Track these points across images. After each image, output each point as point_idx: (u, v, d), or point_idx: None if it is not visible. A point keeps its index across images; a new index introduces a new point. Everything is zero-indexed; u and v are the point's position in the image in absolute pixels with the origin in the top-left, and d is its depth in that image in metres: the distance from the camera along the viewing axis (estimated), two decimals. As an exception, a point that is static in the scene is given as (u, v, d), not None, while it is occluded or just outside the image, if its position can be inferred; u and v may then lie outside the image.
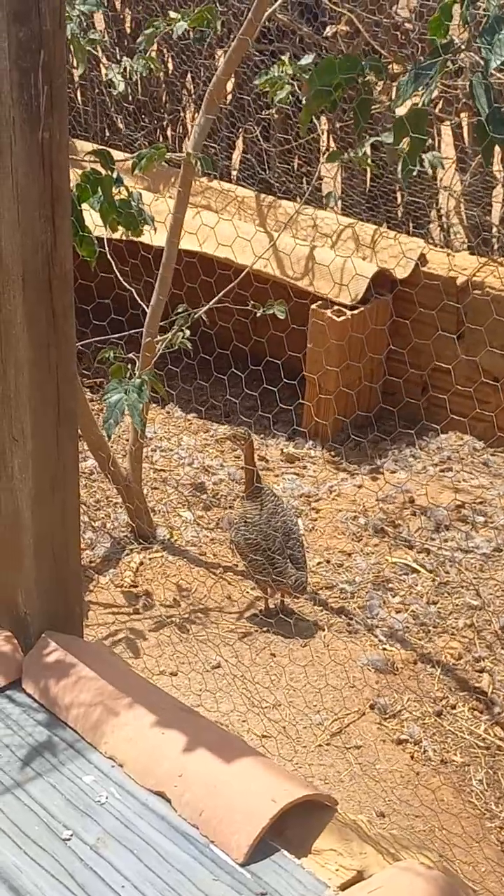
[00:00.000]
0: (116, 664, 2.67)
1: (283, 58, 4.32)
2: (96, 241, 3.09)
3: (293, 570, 3.98)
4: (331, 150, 5.57)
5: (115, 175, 2.97)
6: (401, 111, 2.80)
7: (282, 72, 4.14)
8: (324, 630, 3.99)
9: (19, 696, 2.53)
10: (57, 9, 2.21)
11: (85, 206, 3.03)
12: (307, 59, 4.16)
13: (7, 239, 2.33)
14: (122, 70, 4.36)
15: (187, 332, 4.13)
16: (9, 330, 2.39)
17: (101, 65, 6.34)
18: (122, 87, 4.40)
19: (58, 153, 2.30)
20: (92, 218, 3.18)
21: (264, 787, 2.22)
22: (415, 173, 2.95)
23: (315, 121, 5.63)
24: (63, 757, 2.38)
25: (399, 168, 2.78)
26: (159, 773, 2.30)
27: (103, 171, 2.96)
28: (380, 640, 3.95)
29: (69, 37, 3.93)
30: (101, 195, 2.96)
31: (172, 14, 4.07)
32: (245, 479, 4.15)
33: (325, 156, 5.40)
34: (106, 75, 4.58)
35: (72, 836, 2.20)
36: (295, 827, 2.21)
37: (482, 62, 2.51)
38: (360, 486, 4.84)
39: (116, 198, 3.08)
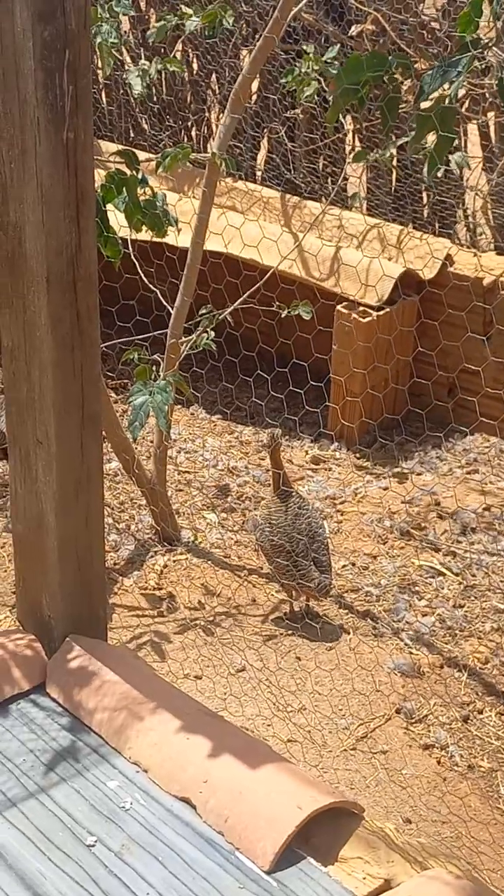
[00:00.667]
0: (141, 668, 2.65)
1: (307, 52, 4.29)
2: (120, 242, 3.07)
3: (317, 574, 3.95)
4: (356, 150, 5.54)
5: (139, 175, 2.95)
6: (425, 107, 2.77)
7: (308, 68, 4.11)
8: (349, 633, 3.96)
9: (43, 699, 2.52)
10: (82, 8, 2.20)
11: (109, 206, 3.01)
12: (332, 52, 4.12)
13: (32, 240, 2.31)
14: (139, 72, 4.33)
15: (212, 334, 4.11)
16: (33, 332, 2.38)
17: (125, 66, 6.33)
18: (139, 88, 4.36)
19: (82, 154, 2.28)
20: (117, 219, 3.16)
21: (290, 794, 2.20)
22: (441, 173, 2.93)
23: (341, 120, 5.60)
24: (87, 762, 2.36)
25: (426, 167, 2.74)
26: (184, 779, 2.28)
27: (128, 172, 2.94)
28: (406, 644, 3.91)
29: (99, 39, 3.92)
30: (126, 196, 2.94)
31: (185, 9, 4.05)
32: (272, 481, 4.12)
33: (352, 156, 5.38)
34: (125, 76, 4.55)
35: (96, 842, 2.18)
36: (321, 834, 2.19)
37: (511, 60, 2.48)
38: (385, 489, 4.81)
39: (141, 198, 3.06)
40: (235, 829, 2.17)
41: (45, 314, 2.34)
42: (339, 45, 4.37)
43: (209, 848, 2.16)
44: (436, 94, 2.53)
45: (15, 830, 2.19)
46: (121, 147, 5.66)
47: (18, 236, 2.34)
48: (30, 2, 2.14)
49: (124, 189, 2.93)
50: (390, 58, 2.65)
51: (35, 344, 2.38)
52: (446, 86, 2.52)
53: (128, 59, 6.44)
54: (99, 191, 2.95)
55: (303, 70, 4.13)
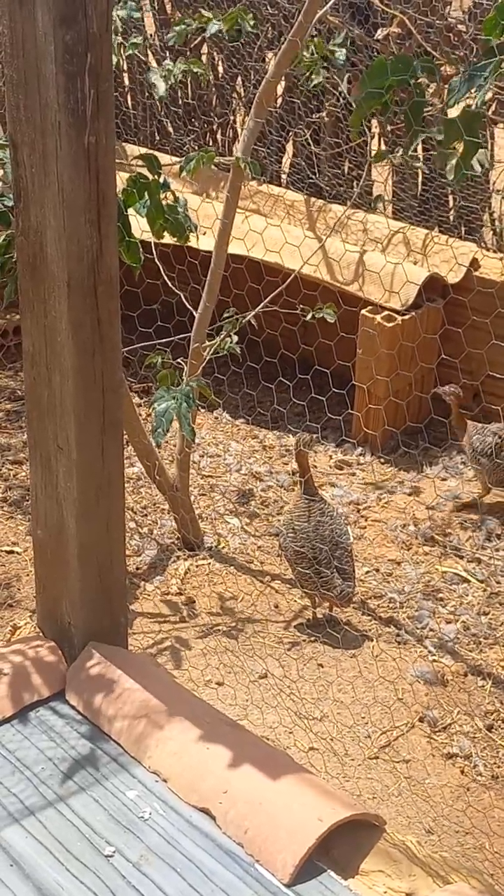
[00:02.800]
0: (161, 676, 2.63)
1: (312, 38, 4.23)
2: (141, 247, 3.05)
3: (339, 582, 3.92)
4: (380, 150, 5.51)
5: (161, 180, 2.93)
6: (453, 113, 2.74)
7: (313, 53, 4.06)
8: (373, 641, 3.93)
9: (63, 707, 2.50)
10: (104, 12, 2.18)
11: (130, 210, 3.00)
12: (338, 39, 4.08)
13: (52, 245, 2.30)
14: (163, 73, 4.31)
15: (235, 338, 4.09)
16: (54, 337, 2.37)
17: (150, 68, 6.32)
18: (162, 90, 4.34)
19: (104, 158, 2.27)
20: (138, 223, 3.14)
21: (311, 806, 2.18)
22: (468, 178, 2.90)
23: (365, 124, 5.57)
24: (106, 771, 2.34)
25: (452, 171, 2.71)
26: (204, 790, 2.26)
27: (150, 176, 2.92)
28: (429, 652, 3.88)
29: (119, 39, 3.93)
30: (148, 200, 2.92)
31: (205, 12, 4.04)
32: (299, 485, 4.10)
33: (374, 156, 5.34)
34: (148, 78, 4.55)
35: (114, 852, 2.16)
36: (342, 847, 2.16)
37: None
38: (409, 494, 4.78)
39: (163, 203, 3.04)
40: (255, 840, 2.15)
41: (66, 319, 2.33)
42: (345, 31, 4.32)
43: (228, 859, 2.14)
44: (462, 103, 2.50)
45: (33, 840, 2.18)
46: (144, 150, 5.66)
47: (39, 241, 2.33)
48: (51, 5, 2.13)
49: (146, 193, 2.91)
50: (415, 62, 2.63)
51: (56, 349, 2.37)
52: (473, 90, 2.50)
53: (153, 62, 6.43)
54: (120, 195, 2.93)
55: (308, 55, 4.08)
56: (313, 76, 4.18)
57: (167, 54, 6.32)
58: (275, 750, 2.48)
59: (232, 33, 3.90)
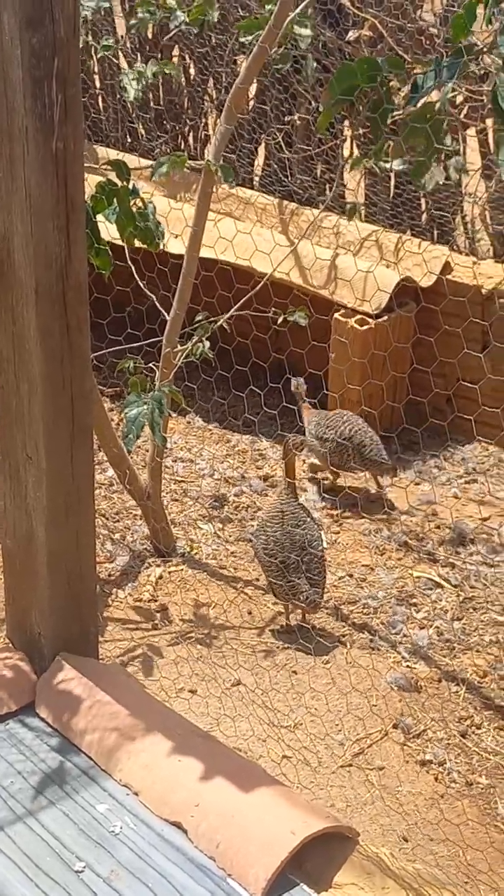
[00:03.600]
0: (132, 687, 2.60)
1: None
2: (111, 252, 3.02)
3: (306, 588, 3.89)
4: (354, 156, 5.49)
5: (131, 186, 2.90)
6: (416, 111, 2.72)
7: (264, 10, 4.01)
8: (346, 647, 3.91)
9: (32, 720, 2.47)
10: (71, 15, 2.16)
11: (99, 217, 2.96)
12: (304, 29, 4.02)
13: (20, 251, 2.27)
14: (134, 76, 4.28)
15: (207, 344, 4.06)
16: (22, 344, 2.34)
17: (122, 70, 6.28)
18: (133, 92, 4.31)
19: (72, 163, 2.24)
20: (107, 229, 3.10)
21: (283, 819, 2.16)
22: (432, 185, 2.88)
23: (338, 127, 5.56)
24: (76, 784, 2.31)
25: (429, 183, 2.69)
26: (175, 803, 2.23)
27: (119, 182, 2.89)
28: (403, 658, 3.86)
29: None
30: (118, 206, 2.89)
31: (169, 1, 4.00)
32: (284, 488, 4.11)
33: (349, 162, 5.32)
34: (120, 81, 4.51)
35: (85, 867, 2.13)
36: (315, 859, 2.14)
37: (504, 64, 2.44)
38: (382, 498, 4.76)
39: (133, 209, 3.01)
40: (227, 854, 2.12)
41: (34, 326, 2.30)
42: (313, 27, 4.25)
43: (200, 874, 2.11)
44: (424, 101, 2.48)
45: (2, 855, 2.15)
46: (115, 153, 5.63)
47: (7, 247, 2.30)
48: (17, 8, 2.10)
49: (115, 199, 2.88)
50: (380, 60, 2.60)
51: (24, 357, 2.34)
52: (436, 94, 2.48)
53: (124, 64, 6.39)
54: (89, 201, 2.90)
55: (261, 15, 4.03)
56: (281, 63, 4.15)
57: (138, 56, 6.29)
58: (247, 762, 2.45)
59: (197, 26, 3.86)
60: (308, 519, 4.07)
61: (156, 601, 4.16)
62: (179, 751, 2.31)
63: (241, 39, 3.85)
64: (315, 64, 4.95)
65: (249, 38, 3.78)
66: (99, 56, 4.50)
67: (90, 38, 5.13)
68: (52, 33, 2.13)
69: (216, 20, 3.93)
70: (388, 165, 4.19)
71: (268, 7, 3.73)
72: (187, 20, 3.95)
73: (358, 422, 4.74)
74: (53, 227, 2.26)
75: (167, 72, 4.43)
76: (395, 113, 2.59)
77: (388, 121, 2.62)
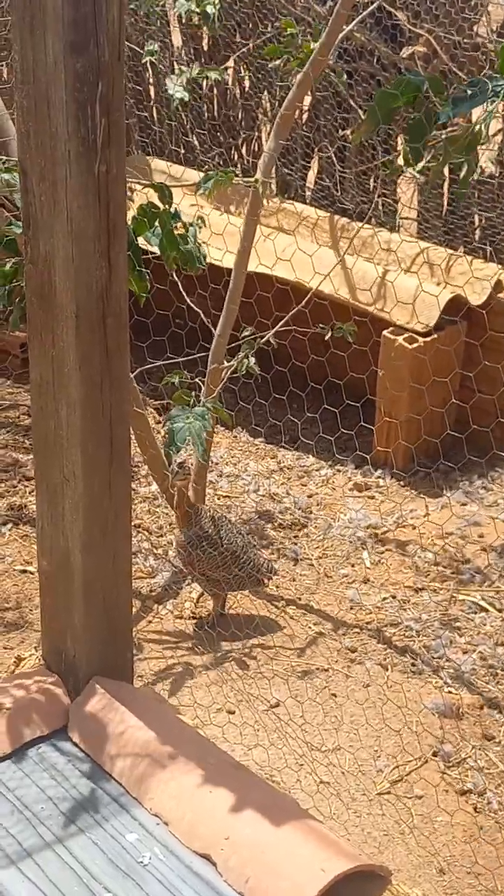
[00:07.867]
0: (166, 714, 2.58)
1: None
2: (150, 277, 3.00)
3: (262, 559, 4.08)
4: (390, 162, 5.43)
5: (172, 210, 2.87)
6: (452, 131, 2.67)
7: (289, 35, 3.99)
8: (387, 670, 3.86)
9: (65, 744, 2.45)
10: (116, 39, 2.14)
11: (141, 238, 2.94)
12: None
13: (61, 274, 2.25)
14: (180, 79, 4.25)
15: (253, 360, 4.04)
16: (61, 368, 2.32)
17: (168, 76, 6.28)
18: (179, 96, 4.27)
19: (115, 187, 2.22)
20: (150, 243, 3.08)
21: (314, 855, 2.12)
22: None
23: (391, 143, 5.52)
24: (107, 812, 2.29)
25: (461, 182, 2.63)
26: (205, 835, 2.20)
27: (161, 206, 2.87)
28: (445, 683, 3.81)
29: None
30: (160, 230, 2.86)
31: None
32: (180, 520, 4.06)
33: (386, 169, 5.28)
34: (165, 89, 4.49)
35: (112, 899, 2.11)
36: (345, 898, 2.10)
37: None
38: (428, 518, 4.71)
39: (175, 233, 2.98)
40: (256, 890, 2.09)
41: (74, 350, 2.28)
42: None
43: (229, 910, 2.08)
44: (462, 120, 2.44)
45: (29, 883, 2.13)
46: (167, 164, 5.62)
47: (48, 270, 2.28)
48: (62, 33, 2.09)
49: (156, 222, 2.85)
50: (411, 76, 2.55)
51: (63, 381, 2.32)
52: (480, 110, 2.44)
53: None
54: (130, 224, 2.88)
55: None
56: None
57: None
58: (279, 793, 2.42)
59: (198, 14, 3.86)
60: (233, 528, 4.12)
61: (196, 618, 4.14)
62: (211, 781, 2.28)
63: (270, 66, 3.84)
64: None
65: (276, 62, 3.78)
66: (144, 61, 4.46)
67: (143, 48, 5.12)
68: (97, 57, 2.12)
69: (216, 20, 3.90)
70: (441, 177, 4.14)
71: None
72: (195, 8, 3.93)
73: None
74: (94, 250, 2.24)
75: (210, 76, 4.40)
76: (433, 133, 2.54)
77: (429, 142, 2.57)
